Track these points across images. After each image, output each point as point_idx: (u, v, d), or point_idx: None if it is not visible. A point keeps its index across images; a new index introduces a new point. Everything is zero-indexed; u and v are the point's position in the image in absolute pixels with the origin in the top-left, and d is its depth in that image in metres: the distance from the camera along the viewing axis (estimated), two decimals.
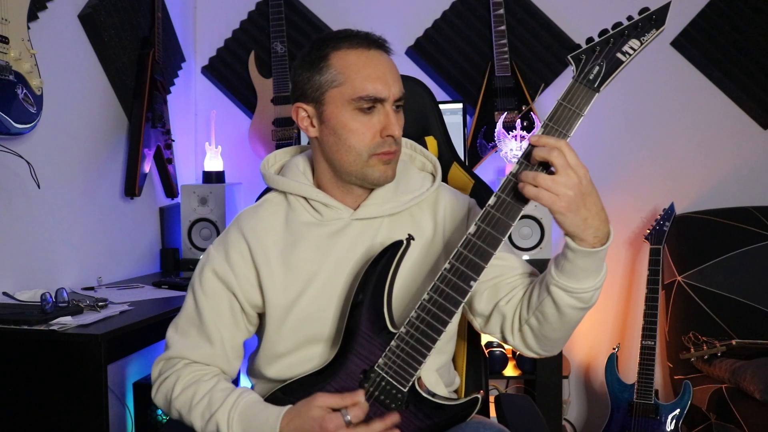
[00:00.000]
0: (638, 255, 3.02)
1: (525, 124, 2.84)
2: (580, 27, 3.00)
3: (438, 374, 1.38)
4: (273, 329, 1.35)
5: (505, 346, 2.73)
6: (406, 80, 1.41)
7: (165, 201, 3.04)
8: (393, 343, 1.22)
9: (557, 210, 1.14)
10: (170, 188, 2.97)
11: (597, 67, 1.15)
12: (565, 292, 1.20)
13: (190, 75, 3.27)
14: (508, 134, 2.77)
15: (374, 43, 1.32)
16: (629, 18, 1.15)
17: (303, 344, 1.34)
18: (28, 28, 2.05)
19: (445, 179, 1.59)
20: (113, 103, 2.70)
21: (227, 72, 3.27)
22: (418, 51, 3.11)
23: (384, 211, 1.35)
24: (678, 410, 2.54)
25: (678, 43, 2.97)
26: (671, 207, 2.80)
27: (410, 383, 1.22)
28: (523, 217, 2.70)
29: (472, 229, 1.20)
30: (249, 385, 1.47)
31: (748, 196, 2.92)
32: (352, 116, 1.29)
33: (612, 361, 2.69)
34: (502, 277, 1.32)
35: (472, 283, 1.19)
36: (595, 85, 1.15)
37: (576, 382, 3.09)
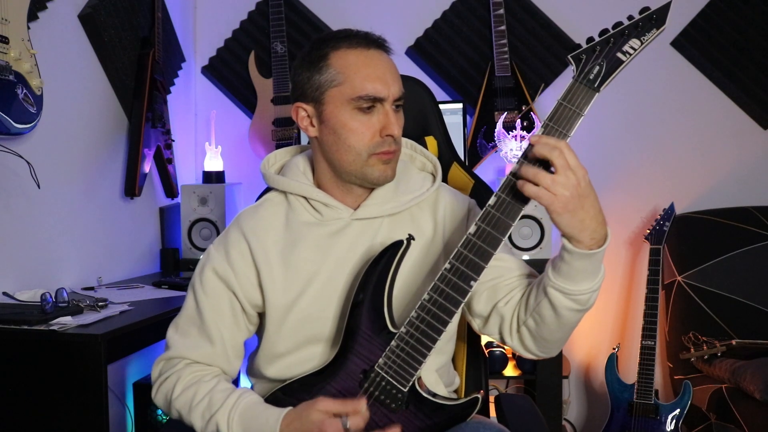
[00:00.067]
0: (638, 255, 3.02)
1: (525, 124, 2.84)
2: (580, 27, 3.00)
3: (438, 374, 1.38)
4: (273, 329, 1.35)
5: (505, 347, 2.73)
6: (406, 80, 1.40)
7: (165, 201, 3.04)
8: (393, 343, 1.22)
9: (554, 210, 1.14)
10: (170, 188, 2.97)
11: (597, 67, 1.15)
12: (561, 294, 1.20)
13: (190, 75, 3.27)
14: (508, 134, 2.77)
15: (374, 42, 1.32)
16: (629, 17, 1.15)
17: (303, 344, 1.34)
18: (28, 28, 2.05)
19: (445, 179, 1.59)
20: (113, 103, 2.70)
21: (227, 72, 3.27)
22: (418, 51, 3.11)
23: (384, 211, 1.35)
24: (678, 410, 2.54)
25: (678, 43, 2.97)
26: (671, 207, 2.80)
27: (410, 383, 1.22)
28: (523, 217, 2.69)
29: (472, 229, 1.20)
30: (249, 385, 1.47)
31: (748, 196, 2.92)
32: (352, 116, 1.29)
33: (612, 361, 2.69)
34: (501, 279, 1.32)
35: (472, 283, 1.19)
36: (596, 85, 1.15)
37: (576, 382, 3.09)
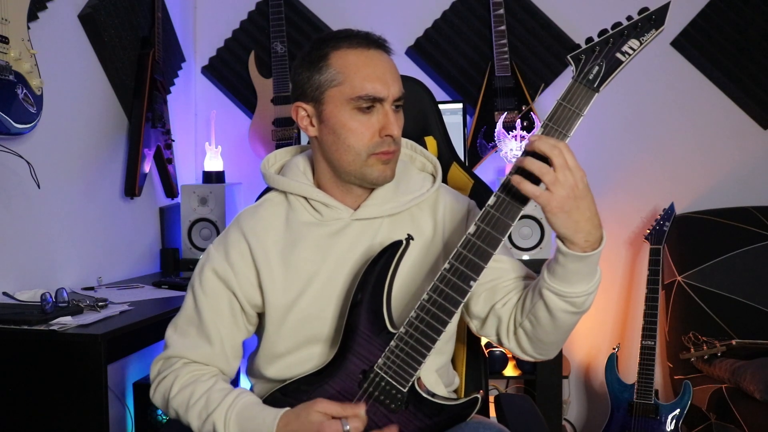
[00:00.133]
0: (638, 255, 3.02)
1: (525, 124, 2.84)
2: (580, 27, 3.00)
3: (438, 374, 1.38)
4: (273, 329, 1.35)
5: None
6: (406, 80, 1.40)
7: (165, 201, 3.05)
8: (392, 343, 1.22)
9: (550, 209, 1.14)
10: (170, 188, 2.97)
11: (596, 67, 1.15)
12: (557, 296, 1.20)
13: (190, 75, 3.27)
14: (508, 134, 2.77)
15: (374, 42, 1.32)
16: (629, 18, 1.15)
17: (302, 344, 1.34)
18: (28, 28, 2.05)
19: (445, 179, 1.59)
20: (113, 103, 2.70)
21: (227, 72, 3.27)
22: (418, 51, 3.11)
23: (384, 211, 1.35)
24: (678, 410, 2.54)
25: (678, 43, 2.97)
26: (671, 207, 2.80)
27: (410, 383, 1.22)
28: (523, 217, 2.71)
29: (471, 229, 1.20)
30: (248, 385, 1.47)
31: (748, 196, 2.92)
32: (351, 116, 1.29)
33: (612, 361, 2.69)
34: (499, 280, 1.32)
35: (471, 283, 1.19)
36: (595, 85, 1.15)
37: (576, 382, 3.09)
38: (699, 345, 2.59)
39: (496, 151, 2.88)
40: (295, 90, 1.36)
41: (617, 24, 1.16)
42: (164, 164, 2.91)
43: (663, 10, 1.14)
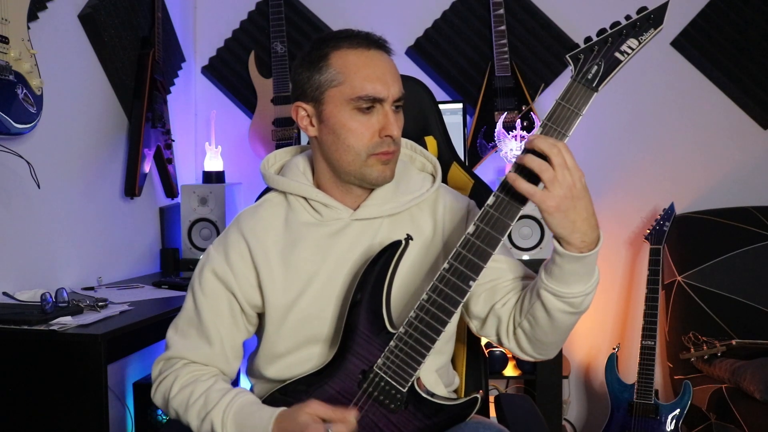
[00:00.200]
0: (638, 255, 3.02)
1: (525, 124, 2.84)
2: (580, 27, 3.00)
3: (437, 374, 1.38)
4: (272, 329, 1.35)
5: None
6: (406, 80, 1.40)
7: (165, 201, 3.05)
8: (392, 343, 1.22)
9: (546, 209, 1.14)
10: (170, 188, 2.97)
11: (595, 67, 1.15)
12: (554, 297, 1.20)
13: (190, 75, 3.27)
14: (508, 134, 2.77)
15: (374, 43, 1.32)
16: (627, 17, 1.15)
17: (302, 344, 1.34)
18: (28, 28, 2.05)
19: (444, 179, 1.59)
20: (113, 103, 2.70)
21: (227, 72, 3.27)
22: (418, 51, 3.11)
23: (384, 211, 1.35)
24: (678, 410, 2.54)
25: (678, 43, 2.97)
26: (671, 207, 2.80)
27: (409, 383, 1.22)
28: (523, 217, 2.71)
29: (471, 229, 1.20)
30: (249, 385, 1.47)
31: (748, 196, 2.92)
32: (351, 116, 1.29)
33: (612, 361, 2.69)
34: (499, 280, 1.32)
35: (471, 283, 1.19)
36: (594, 85, 1.15)
37: (576, 382, 3.09)
38: (699, 345, 2.59)
39: (496, 151, 2.88)
40: (295, 90, 1.36)
41: (616, 23, 1.16)
42: (164, 164, 2.91)
43: (661, 10, 1.14)
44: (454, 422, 1.24)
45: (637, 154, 3.02)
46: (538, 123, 2.86)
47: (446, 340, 1.40)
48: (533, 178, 1.15)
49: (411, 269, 1.35)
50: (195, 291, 1.37)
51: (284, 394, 1.29)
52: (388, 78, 1.29)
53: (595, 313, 2.94)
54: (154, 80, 2.78)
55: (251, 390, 1.42)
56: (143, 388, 2.53)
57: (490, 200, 1.19)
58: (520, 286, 1.32)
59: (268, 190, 1.51)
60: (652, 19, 1.14)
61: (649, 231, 2.77)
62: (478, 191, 1.60)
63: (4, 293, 2.08)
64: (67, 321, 1.90)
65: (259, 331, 1.41)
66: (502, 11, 2.98)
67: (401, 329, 1.22)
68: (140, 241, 2.89)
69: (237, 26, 3.24)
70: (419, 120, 1.67)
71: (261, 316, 1.39)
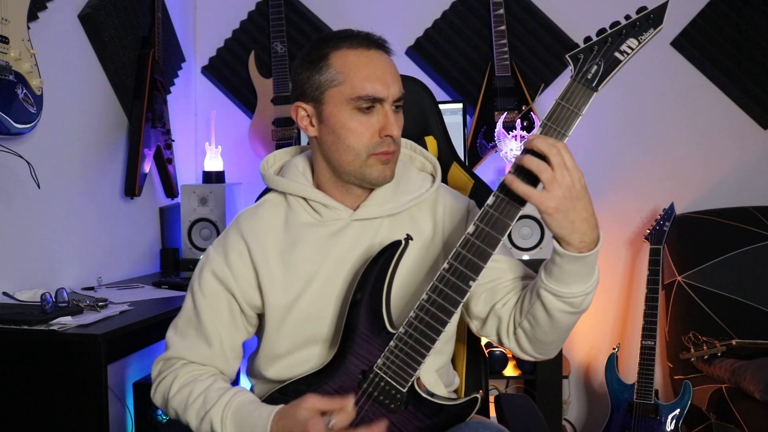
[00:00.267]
0: (638, 255, 3.02)
1: (525, 124, 2.85)
2: (580, 27, 3.00)
3: (437, 374, 1.38)
4: (272, 330, 1.35)
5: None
6: (406, 80, 1.40)
7: (165, 201, 3.05)
8: (392, 343, 1.22)
9: (545, 209, 1.14)
10: (170, 188, 2.97)
11: (595, 67, 1.15)
12: (554, 297, 1.20)
13: (190, 75, 3.27)
14: (508, 134, 2.77)
15: (374, 43, 1.32)
16: (627, 17, 1.15)
17: (302, 345, 1.34)
18: (28, 28, 2.05)
19: (444, 179, 1.59)
20: (113, 103, 2.70)
21: (227, 72, 3.27)
22: (418, 51, 3.11)
23: (383, 211, 1.35)
24: (678, 410, 2.54)
25: (678, 43, 2.97)
26: (671, 207, 2.80)
27: (409, 383, 1.22)
28: (523, 217, 2.71)
29: (470, 228, 1.19)
30: (249, 385, 1.47)
31: (748, 196, 2.92)
32: (351, 116, 1.29)
33: (612, 361, 2.69)
34: (499, 280, 1.32)
35: (471, 283, 1.19)
36: (594, 85, 1.15)
37: (576, 382, 3.09)
38: (699, 345, 2.59)
39: (496, 151, 2.88)
40: (294, 90, 1.36)
41: (615, 23, 1.16)
42: (164, 164, 2.91)
43: (661, 9, 1.14)
44: (454, 422, 1.24)
45: (637, 154, 3.02)
46: (538, 123, 2.86)
47: (446, 340, 1.40)
48: (532, 179, 1.15)
49: (411, 269, 1.34)
50: (194, 291, 1.37)
51: (284, 394, 1.29)
52: (388, 78, 1.29)
53: (595, 313, 2.94)
54: (154, 80, 2.78)
55: (251, 390, 1.42)
56: (143, 388, 2.53)
57: (490, 200, 1.19)
58: (521, 286, 1.32)
59: (267, 190, 1.51)
60: (651, 19, 1.14)
61: (649, 231, 2.77)
62: (478, 191, 1.60)
63: (4, 293, 2.08)
64: (67, 321, 1.90)
65: (259, 331, 1.41)
66: (502, 11, 2.98)
67: (401, 329, 1.22)
68: (140, 241, 2.89)
69: (237, 26, 3.24)
70: (419, 120, 1.67)
71: (261, 317, 1.39)
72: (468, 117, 2.98)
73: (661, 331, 2.81)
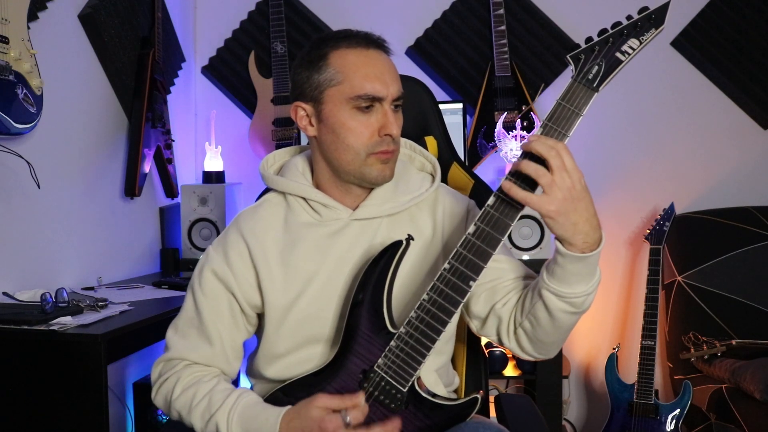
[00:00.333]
0: (638, 255, 3.02)
1: (525, 124, 2.85)
2: (580, 27, 3.00)
3: (437, 374, 1.38)
4: (272, 329, 1.35)
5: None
6: (406, 80, 1.41)
7: (165, 201, 3.05)
8: (392, 343, 1.22)
9: (546, 213, 1.14)
10: (170, 188, 2.97)
11: (596, 67, 1.15)
12: (556, 297, 1.20)
13: (190, 75, 3.27)
14: (508, 134, 2.77)
15: (373, 42, 1.32)
16: (628, 17, 1.15)
17: (302, 344, 1.34)
18: (28, 28, 2.05)
19: (444, 179, 1.59)
20: (113, 103, 2.70)
21: (227, 72, 3.27)
22: (418, 51, 3.11)
23: (383, 211, 1.35)
24: (678, 410, 2.54)
25: (678, 43, 2.97)
26: (671, 207, 2.80)
27: (410, 383, 1.22)
28: (523, 217, 2.72)
29: (471, 229, 1.19)
30: (249, 385, 1.47)
31: (748, 196, 2.92)
32: (351, 115, 1.29)
33: (612, 361, 2.69)
34: (499, 280, 1.32)
35: (471, 283, 1.19)
36: (594, 85, 1.15)
37: (576, 382, 3.09)
38: (699, 345, 2.59)
39: (496, 151, 2.88)
40: (294, 90, 1.36)
41: (617, 23, 1.16)
42: (164, 164, 2.91)
43: (663, 10, 1.14)
44: (455, 422, 1.24)
45: (637, 154, 3.02)
46: (538, 123, 2.87)
47: (446, 340, 1.40)
48: (532, 182, 1.15)
49: (411, 269, 1.34)
50: (195, 291, 1.37)
51: (285, 394, 1.29)
52: (387, 77, 1.29)
53: (595, 313, 2.94)
54: (154, 80, 2.78)
55: (251, 390, 1.42)
56: (143, 388, 2.53)
57: (491, 200, 1.19)
58: (521, 286, 1.32)
59: (267, 190, 1.51)
60: (653, 20, 1.14)
61: (649, 231, 2.77)
62: (478, 191, 1.60)
63: (4, 293, 2.08)
64: (67, 321, 1.90)
65: (259, 331, 1.40)
66: (502, 11, 2.98)
67: (402, 329, 1.22)
68: (140, 241, 2.89)
69: (237, 26, 3.24)
70: (419, 120, 1.67)
71: (260, 317, 1.39)
72: (468, 117, 2.98)
73: (661, 331, 2.81)
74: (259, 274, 1.34)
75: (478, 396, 1.25)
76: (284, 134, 3.07)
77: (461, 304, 1.20)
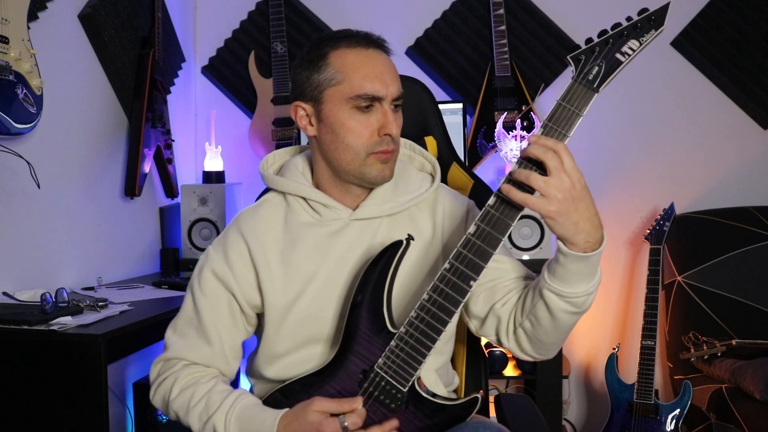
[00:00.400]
0: (638, 255, 3.02)
1: (525, 124, 2.85)
2: (580, 27, 3.00)
3: (437, 374, 1.38)
4: (272, 329, 1.35)
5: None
6: (406, 80, 1.41)
7: (165, 201, 3.05)
8: (393, 343, 1.22)
9: (546, 214, 1.14)
10: (170, 188, 2.97)
11: (596, 68, 1.15)
12: (557, 296, 1.20)
13: (190, 75, 3.27)
14: (508, 134, 2.77)
15: (373, 42, 1.32)
16: (628, 19, 1.15)
17: (302, 344, 1.34)
18: (28, 28, 2.05)
19: (444, 179, 1.59)
20: (113, 103, 2.70)
21: (227, 72, 3.27)
22: (418, 51, 3.11)
23: (383, 211, 1.35)
24: (678, 410, 2.54)
25: (678, 43, 2.97)
26: (671, 207, 2.80)
27: (410, 383, 1.22)
28: (523, 217, 2.72)
29: (471, 228, 1.19)
30: (248, 385, 1.47)
31: (748, 196, 2.92)
32: (350, 115, 1.29)
33: (612, 361, 2.69)
34: (498, 280, 1.32)
35: (471, 283, 1.19)
36: (595, 86, 1.15)
37: (576, 382, 3.09)
38: (699, 345, 2.59)
39: (496, 151, 2.88)
40: (294, 89, 1.36)
41: (617, 24, 1.16)
42: (164, 164, 2.91)
43: (662, 11, 1.14)
44: (455, 422, 1.24)
45: (637, 154, 3.02)
46: (538, 123, 2.87)
47: (446, 340, 1.40)
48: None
49: (411, 269, 1.34)
50: (194, 291, 1.37)
51: (285, 395, 1.29)
52: (386, 77, 1.29)
53: (595, 313, 2.94)
54: (154, 80, 2.78)
55: (251, 390, 1.42)
56: (143, 388, 2.53)
57: (491, 200, 1.19)
58: (521, 286, 1.32)
59: (267, 190, 1.51)
60: (653, 21, 1.14)
61: (649, 231, 2.77)
62: (478, 191, 1.60)
63: (4, 293, 2.08)
64: (67, 321, 1.90)
65: (259, 331, 1.40)
66: (502, 11, 2.98)
67: (402, 329, 1.22)
68: (140, 241, 2.89)
69: (237, 26, 3.24)
70: (419, 120, 1.67)
71: (260, 317, 1.39)
72: (468, 117, 2.98)
73: (661, 331, 2.81)
74: (259, 274, 1.34)
75: (479, 396, 1.25)
76: (284, 134, 3.07)
77: (462, 304, 1.20)
